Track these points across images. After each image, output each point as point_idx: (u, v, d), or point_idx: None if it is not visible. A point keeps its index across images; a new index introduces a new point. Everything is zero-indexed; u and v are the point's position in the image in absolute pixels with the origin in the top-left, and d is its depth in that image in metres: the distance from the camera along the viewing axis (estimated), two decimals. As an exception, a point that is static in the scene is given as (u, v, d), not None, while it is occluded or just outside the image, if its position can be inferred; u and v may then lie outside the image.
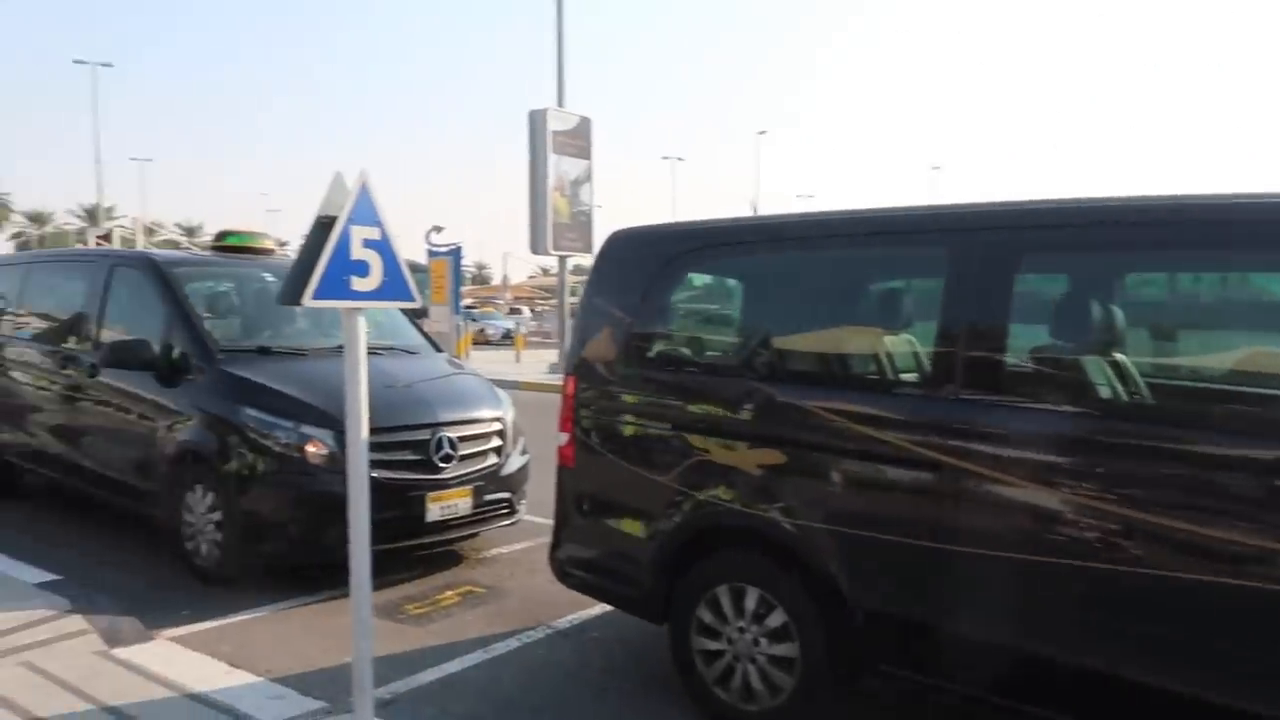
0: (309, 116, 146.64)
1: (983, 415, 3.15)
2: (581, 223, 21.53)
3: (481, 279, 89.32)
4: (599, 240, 22.99)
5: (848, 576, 3.49)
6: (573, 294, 23.68)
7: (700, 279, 4.32)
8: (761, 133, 58.77)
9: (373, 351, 6.59)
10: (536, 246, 20.79)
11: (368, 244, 3.15)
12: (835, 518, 3.51)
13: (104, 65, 55.14)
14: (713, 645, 3.94)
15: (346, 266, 3.12)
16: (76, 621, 4.80)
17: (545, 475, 6.60)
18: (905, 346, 3.81)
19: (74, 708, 3.91)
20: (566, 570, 4.55)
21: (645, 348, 4.23)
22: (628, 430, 4.18)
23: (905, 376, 3.70)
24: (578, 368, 4.40)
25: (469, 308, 38.12)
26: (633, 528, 4.14)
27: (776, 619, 3.73)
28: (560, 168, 20.61)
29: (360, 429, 3.31)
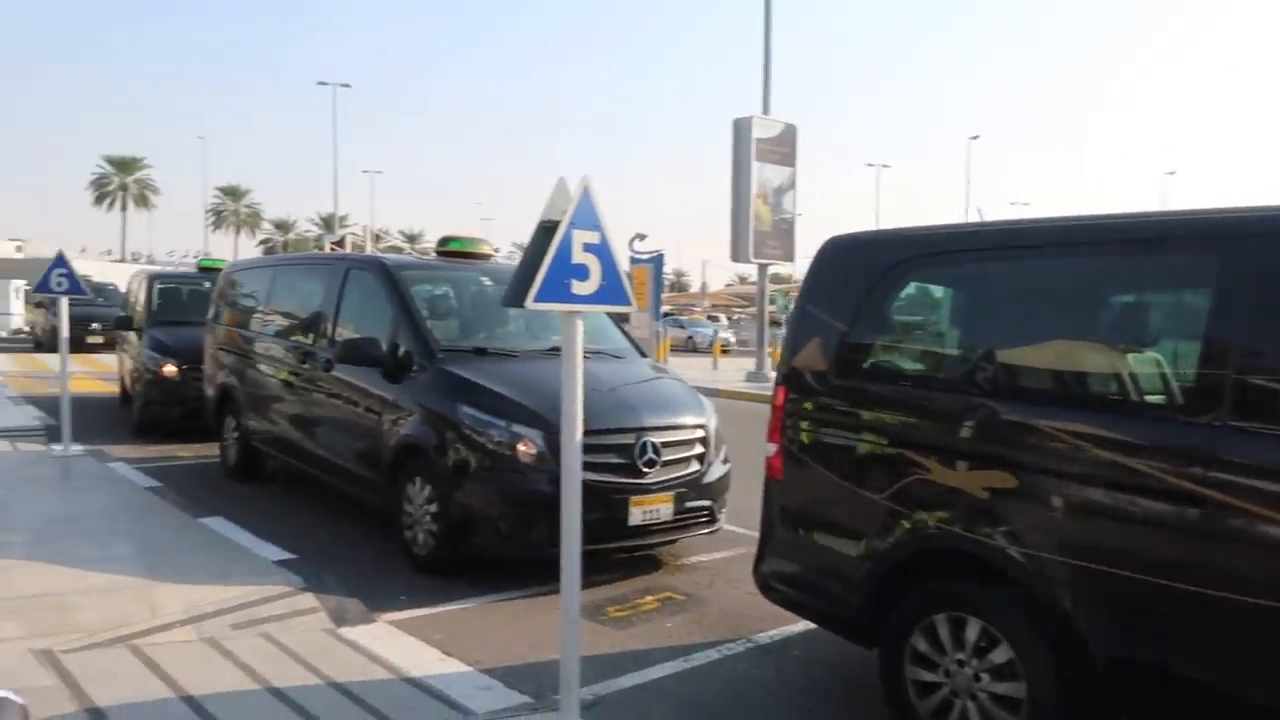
0: (515, 130, 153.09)
1: (1257, 447, 2.77)
2: (783, 231, 21.31)
3: (679, 286, 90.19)
4: (800, 249, 22.56)
5: (1087, 615, 3.17)
6: (771, 303, 23.40)
7: (922, 288, 4.08)
8: (974, 138, 56.16)
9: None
10: (738, 254, 20.75)
11: (588, 248, 3.15)
12: (1074, 550, 3.20)
13: (343, 86, 59.77)
14: (928, 676, 3.69)
15: (567, 270, 3.12)
16: (308, 599, 5.08)
17: (743, 484, 6.57)
18: (1153, 365, 3.43)
19: (306, 681, 4.12)
20: (770, 584, 4.41)
21: (861, 358, 4.05)
22: (841, 443, 4.01)
23: (1153, 398, 3.33)
24: (788, 377, 4.25)
25: (667, 314, 38.52)
26: (843, 545, 3.96)
27: (1001, 655, 3.44)
28: (763, 175, 20.50)
29: (575, 430, 3.33)
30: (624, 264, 3.35)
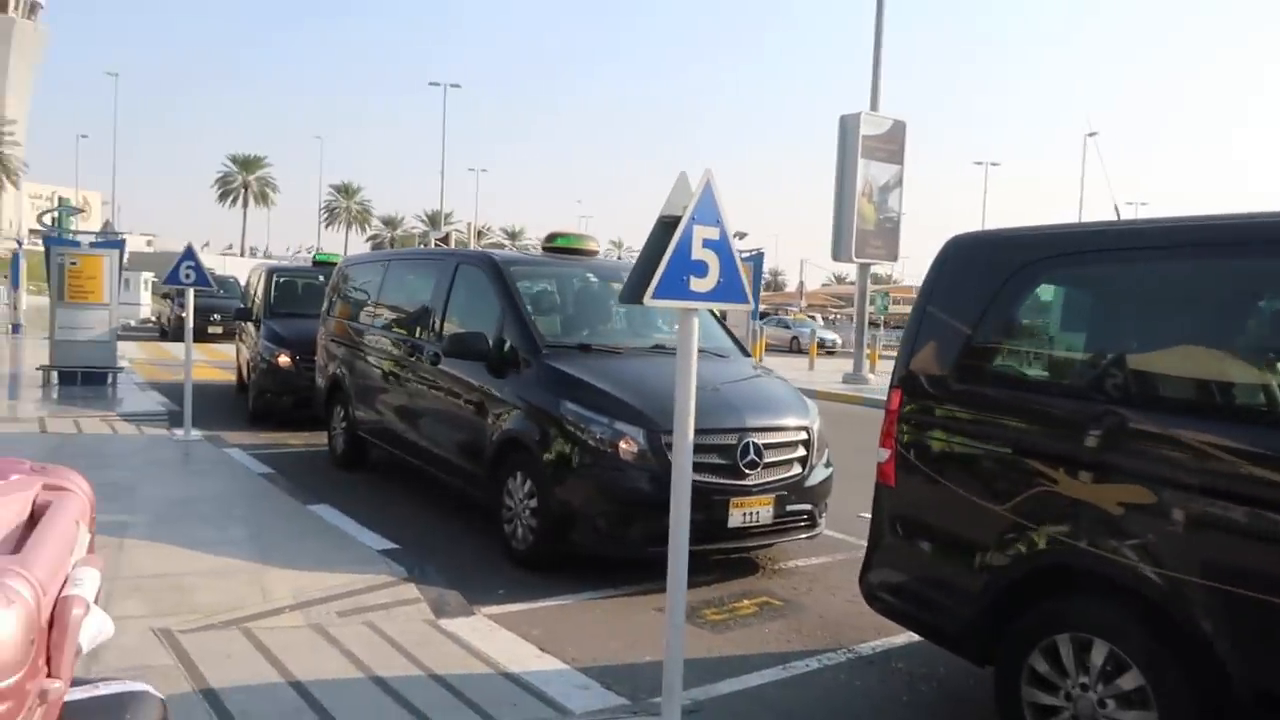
0: (614, 129, 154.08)
1: None
2: (888, 230, 20.93)
3: (776, 285, 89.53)
4: (903, 249, 22.19)
5: (1232, 645, 2.93)
6: (870, 304, 23.00)
7: (1053, 290, 3.87)
8: (1092, 134, 53.78)
9: None
10: (840, 253, 20.48)
11: (708, 244, 3.09)
12: (1218, 573, 2.97)
13: (453, 86, 61.20)
14: (1047, 699, 3.49)
15: (686, 266, 3.06)
16: (410, 590, 5.12)
17: (842, 488, 6.50)
18: None
19: (407, 671, 4.14)
20: (877, 594, 4.27)
21: (985, 363, 3.87)
22: (959, 451, 3.85)
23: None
24: (904, 381, 4.10)
25: (765, 314, 38.04)
26: (958, 557, 3.80)
27: (1130, 681, 3.23)
28: (869, 172, 20.18)
29: (688, 429, 3.26)
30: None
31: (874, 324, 25.48)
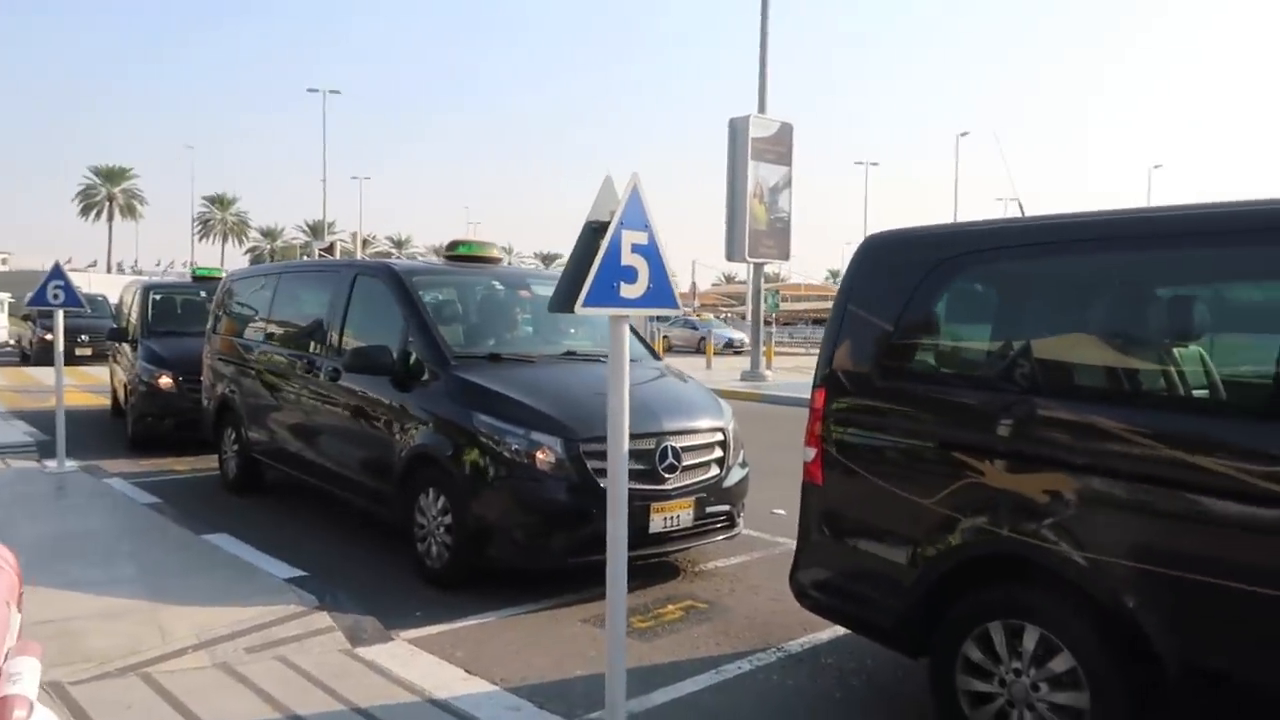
0: (501, 137, 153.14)
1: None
2: (779, 229, 21.34)
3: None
4: (796, 248, 22.49)
5: (1156, 622, 3.03)
6: (764, 302, 23.40)
7: (968, 285, 3.94)
8: (964, 134, 56.23)
9: (593, 359, 6.55)
10: (733, 253, 20.76)
11: (636, 249, 3.05)
12: (1137, 553, 3.07)
13: (332, 92, 59.61)
14: (981, 686, 3.55)
15: (616, 272, 3.02)
16: (323, 619, 4.91)
17: (755, 485, 6.56)
18: (1198, 361, 3.33)
19: (328, 706, 3.95)
20: (807, 592, 4.29)
21: (906, 359, 3.93)
22: (885, 447, 3.90)
23: (1200, 393, 3.22)
24: (828, 379, 4.13)
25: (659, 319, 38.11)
26: (888, 552, 3.84)
27: (1061, 663, 3.31)
28: (759, 174, 20.54)
29: (622, 437, 3.21)
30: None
31: (766, 322, 25.93)
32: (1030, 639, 3.38)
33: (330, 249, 29.81)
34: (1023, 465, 3.38)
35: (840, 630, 4.92)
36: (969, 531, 3.53)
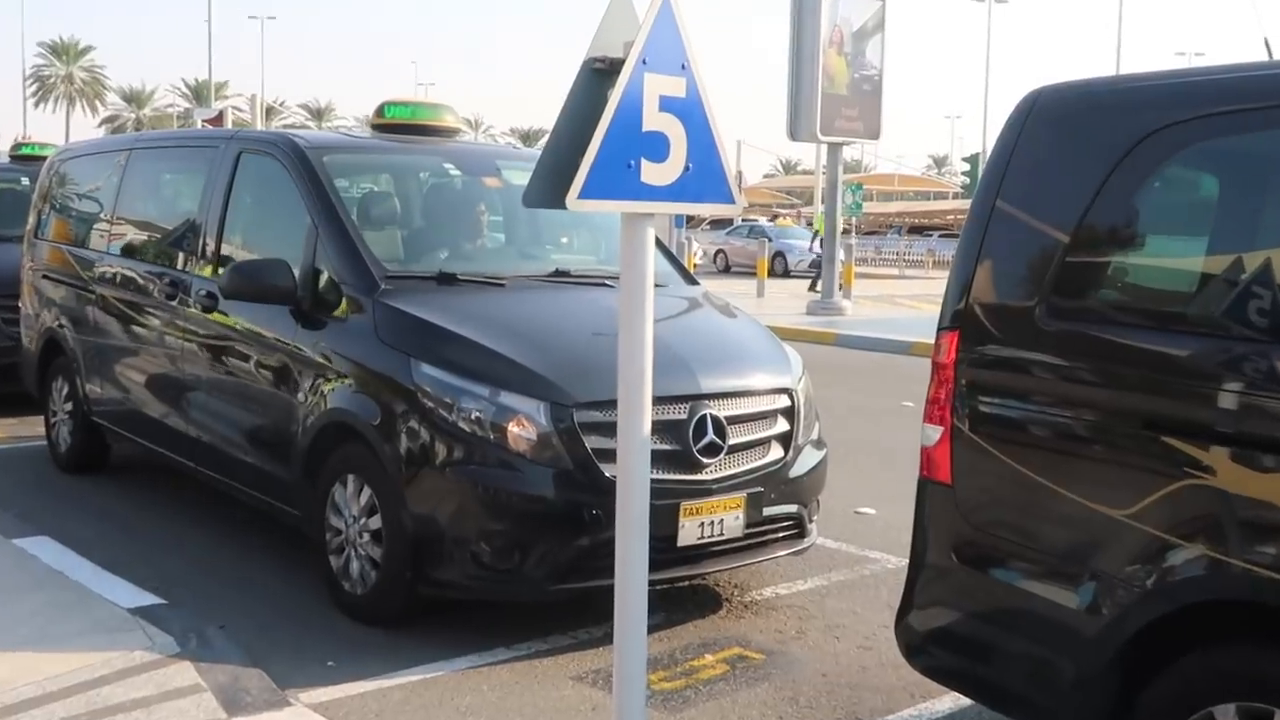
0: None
1: None
2: (865, 94, 21.54)
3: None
4: (888, 123, 22.30)
5: None
6: (858, 206, 23.14)
7: (1200, 170, 3.79)
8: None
9: (595, 281, 6.63)
10: (798, 129, 21.05)
11: (667, 105, 2.96)
12: None
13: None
14: (1202, 802, 3.46)
15: (634, 143, 2.94)
16: (185, 672, 4.81)
17: (831, 472, 6.62)
18: None
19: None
20: (923, 647, 4.20)
21: (1091, 288, 3.78)
22: (1053, 426, 3.76)
23: None
24: (962, 319, 3.97)
25: (722, 221, 37.67)
26: (1054, 590, 3.70)
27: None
28: (838, 13, 20.55)
29: (640, 402, 3.21)
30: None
31: (844, 230, 25.82)
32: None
33: (219, 119, 29.83)
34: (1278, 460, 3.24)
35: (966, 702, 4.82)
36: (1187, 563, 3.40)
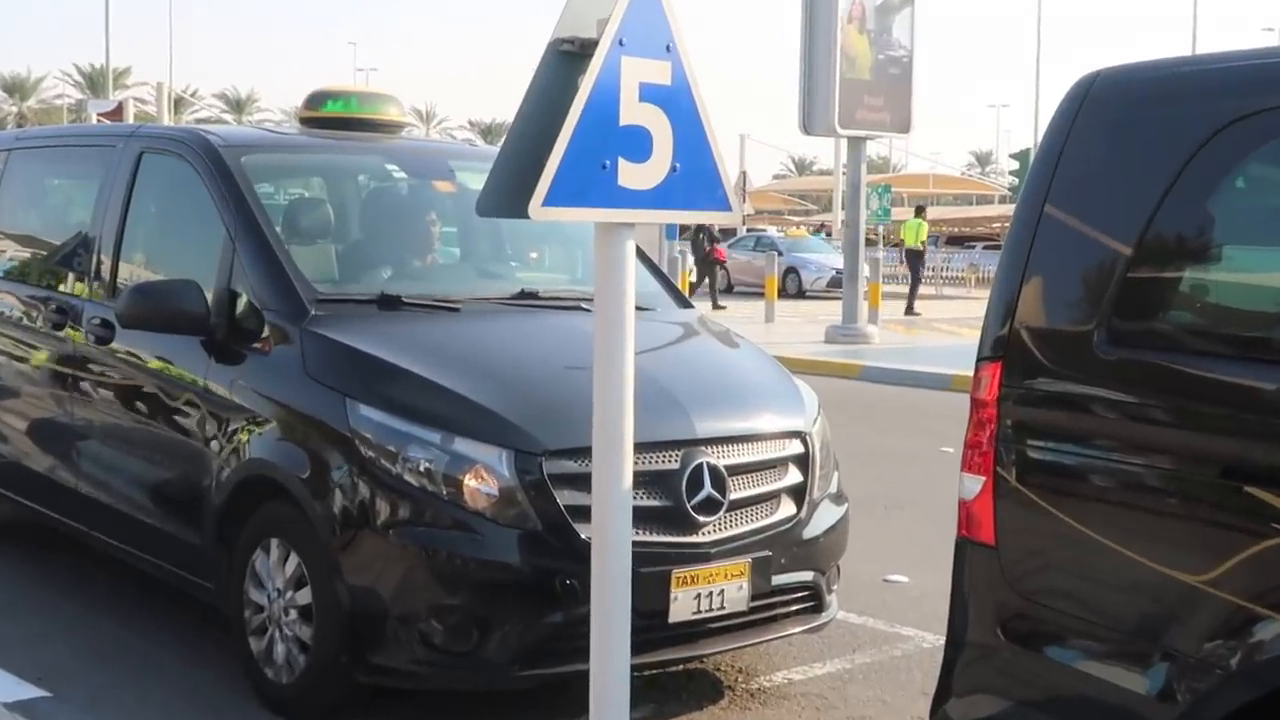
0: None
1: None
2: (893, 79, 21.63)
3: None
4: (919, 112, 22.50)
5: None
6: (885, 212, 23.19)
7: None
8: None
9: (569, 305, 6.65)
10: (813, 120, 21.14)
11: (649, 94, 2.98)
12: None
13: None
14: None
15: (610, 140, 2.97)
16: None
17: (854, 530, 6.66)
18: None
19: None
20: None
21: (1159, 309, 3.80)
22: (1116, 475, 3.75)
23: None
24: (1006, 346, 3.97)
25: (709, 231, 37.78)
26: (1119, 674, 3.68)
27: None
28: None
29: (621, 449, 3.30)
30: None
31: (869, 240, 25.87)
32: None
33: (117, 112, 29.84)
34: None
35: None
36: (1278, 638, 3.35)
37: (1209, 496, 3.52)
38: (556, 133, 2.88)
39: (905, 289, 33.01)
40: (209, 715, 5.78)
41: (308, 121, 7.58)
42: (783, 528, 5.88)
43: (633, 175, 3.02)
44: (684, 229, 32.63)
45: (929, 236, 35.86)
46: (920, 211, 34.93)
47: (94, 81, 68.35)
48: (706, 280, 32.62)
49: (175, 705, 5.86)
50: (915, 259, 32.79)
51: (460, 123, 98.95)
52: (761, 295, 29.54)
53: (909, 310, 31.23)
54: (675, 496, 5.53)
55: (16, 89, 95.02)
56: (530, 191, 2.88)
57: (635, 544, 5.23)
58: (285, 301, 6.07)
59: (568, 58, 3.04)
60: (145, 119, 32.79)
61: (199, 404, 6.25)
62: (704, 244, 32.63)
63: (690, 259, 31.79)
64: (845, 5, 20.43)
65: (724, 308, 31.11)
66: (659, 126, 3.03)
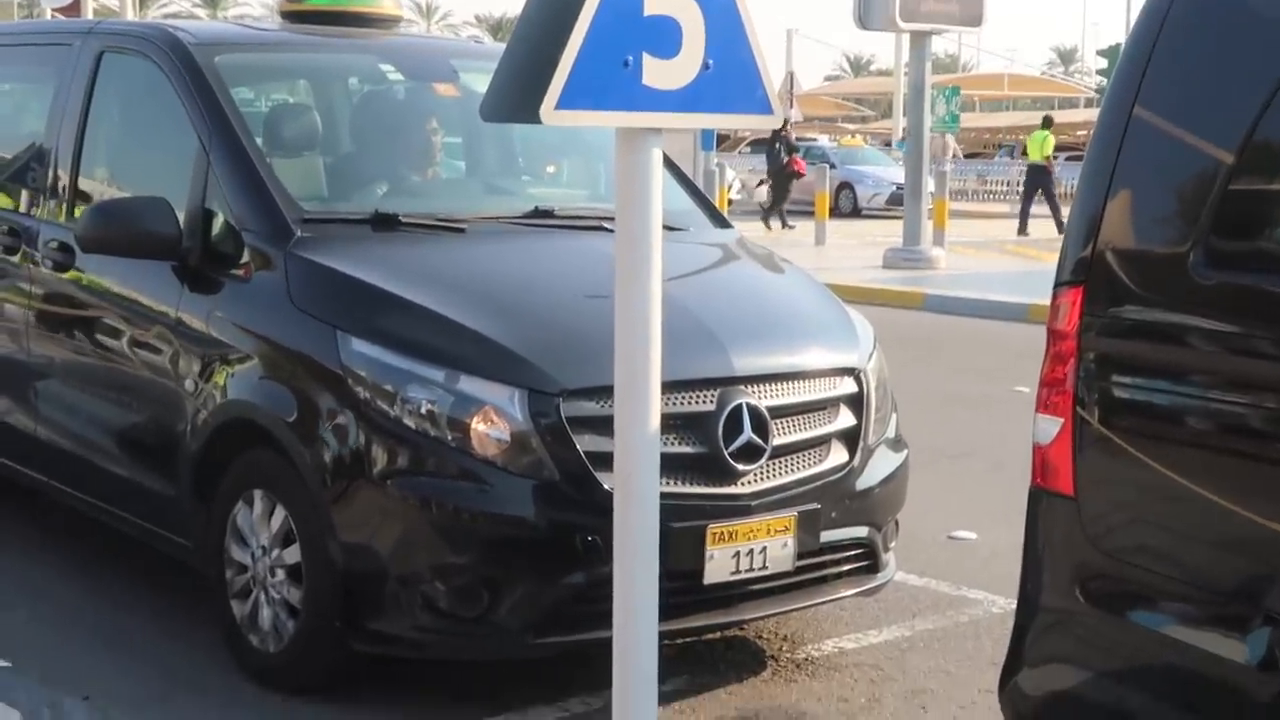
0: None
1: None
2: None
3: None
4: (992, 5, 22.55)
5: None
6: (953, 118, 23.12)
7: None
8: None
9: (590, 225, 6.66)
10: (869, 12, 21.26)
11: None
12: None
13: None
14: None
15: (633, 33, 2.98)
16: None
17: (913, 483, 6.71)
18: None
19: None
20: (1038, 717, 4.24)
21: (1269, 225, 3.78)
22: (1222, 417, 3.76)
23: None
24: (1089, 270, 3.98)
25: (758, 140, 37.70)
26: (1219, 641, 3.69)
27: None
28: None
29: (647, 388, 3.29)
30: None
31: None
32: None
33: (75, 6, 29.77)
34: None
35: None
36: None
37: (1322, 440, 3.55)
38: (571, 24, 2.88)
39: (974, 206, 32.94)
40: (188, 686, 5.80)
41: (291, 16, 7.63)
42: (833, 477, 5.89)
43: (659, 73, 3.02)
44: (724, 138, 32.54)
45: (1006, 147, 35.75)
46: (1048, 122, 34.85)
47: (49, -28, 68.18)
48: (782, 195, 32.45)
49: (149, 676, 5.92)
50: (1040, 175, 32.65)
51: (465, 17, 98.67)
52: (811, 214, 29.56)
53: (1021, 230, 31.55)
54: (710, 442, 5.53)
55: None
56: (541, 92, 2.89)
57: (665, 496, 5.23)
58: (267, 222, 6.09)
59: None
60: (106, 14, 32.73)
61: (171, 338, 6.29)
62: (780, 154, 32.39)
63: (729, 174, 31.71)
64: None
65: (793, 227, 31.04)
66: (689, 17, 3.03)
